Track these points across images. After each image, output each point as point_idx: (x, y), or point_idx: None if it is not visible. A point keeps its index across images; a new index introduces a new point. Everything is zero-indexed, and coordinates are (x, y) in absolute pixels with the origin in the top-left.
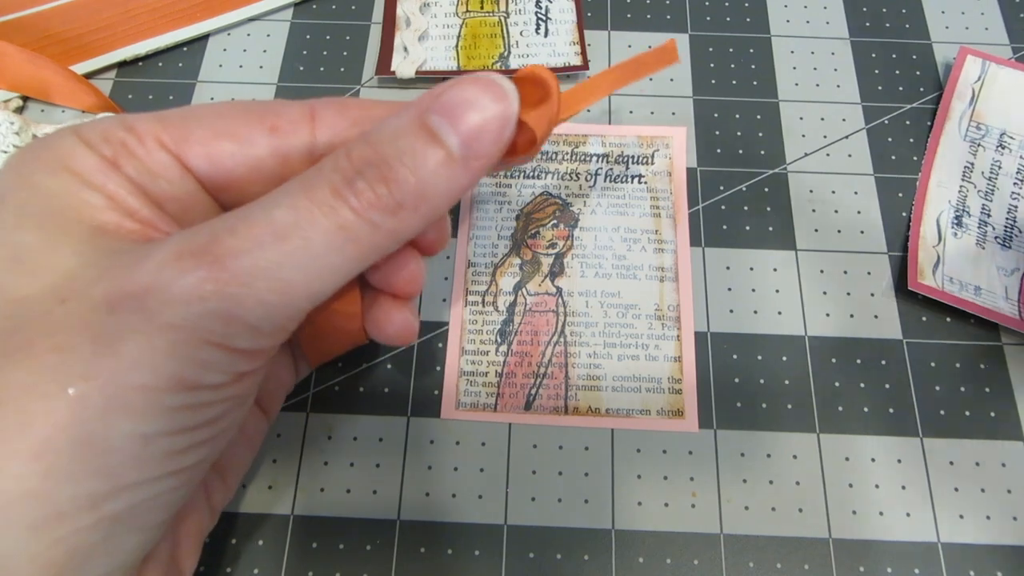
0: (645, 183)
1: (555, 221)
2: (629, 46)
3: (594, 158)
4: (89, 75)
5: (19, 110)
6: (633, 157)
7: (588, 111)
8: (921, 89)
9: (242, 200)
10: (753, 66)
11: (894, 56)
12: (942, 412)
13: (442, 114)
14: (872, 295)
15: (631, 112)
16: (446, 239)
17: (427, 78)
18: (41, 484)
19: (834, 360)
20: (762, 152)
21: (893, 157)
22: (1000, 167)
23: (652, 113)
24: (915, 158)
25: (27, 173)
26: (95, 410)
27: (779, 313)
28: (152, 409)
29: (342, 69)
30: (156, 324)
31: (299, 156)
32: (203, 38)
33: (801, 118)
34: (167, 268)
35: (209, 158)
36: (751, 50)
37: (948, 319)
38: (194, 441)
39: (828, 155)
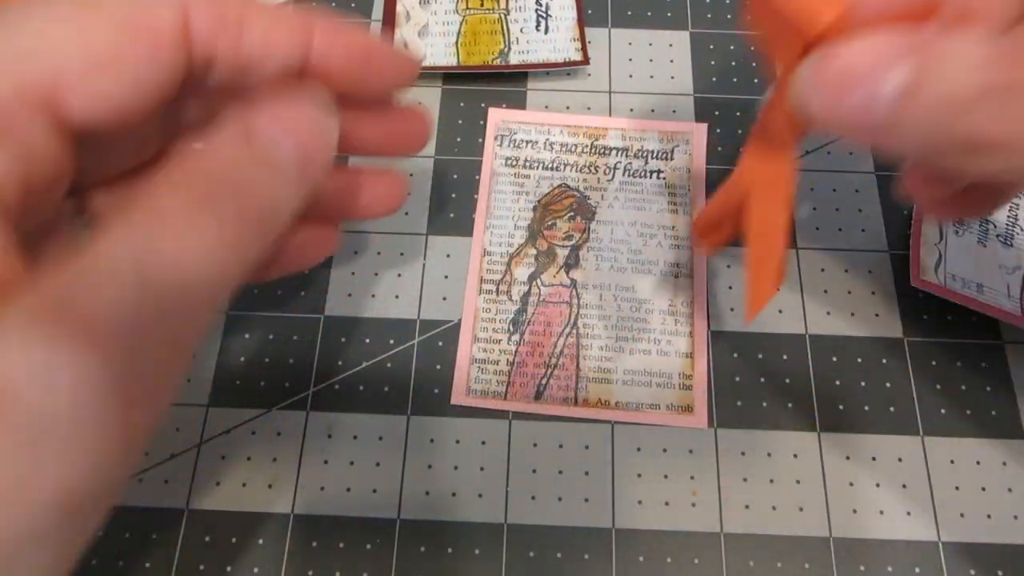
0: (664, 178)
1: (572, 213)
2: (629, 43)
3: (613, 152)
4: None
5: None
6: (653, 152)
7: (588, 108)
8: None
9: None
10: (754, 64)
11: None
12: (943, 411)
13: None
14: (873, 293)
15: (632, 110)
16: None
17: (427, 73)
18: None
19: (835, 358)
20: None
21: None
22: None
23: (653, 111)
24: None
25: None
26: None
27: (779, 311)
28: None
29: None
30: None
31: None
32: None
33: None
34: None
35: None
36: (752, 48)
37: (949, 317)
38: None
39: (829, 153)
